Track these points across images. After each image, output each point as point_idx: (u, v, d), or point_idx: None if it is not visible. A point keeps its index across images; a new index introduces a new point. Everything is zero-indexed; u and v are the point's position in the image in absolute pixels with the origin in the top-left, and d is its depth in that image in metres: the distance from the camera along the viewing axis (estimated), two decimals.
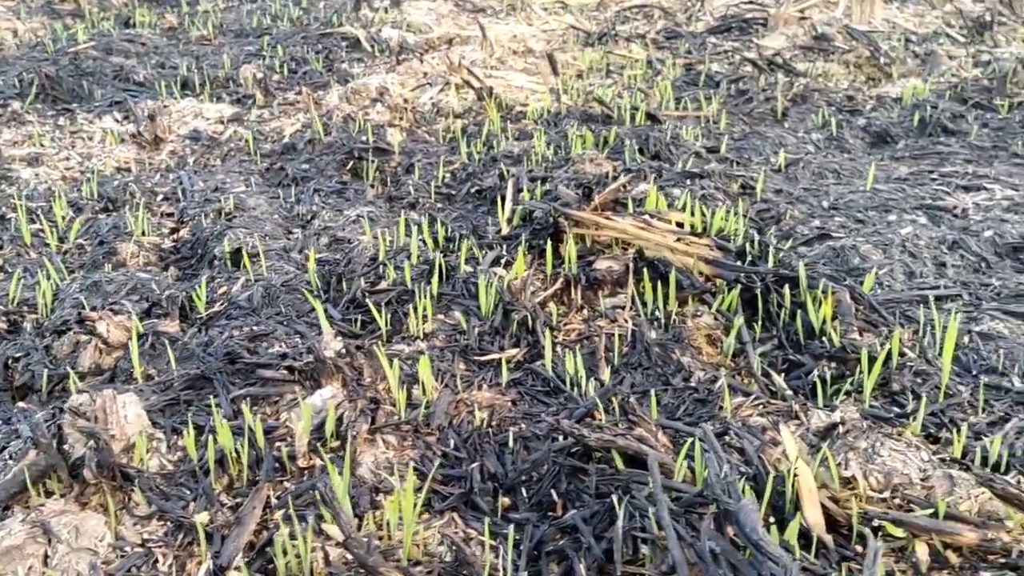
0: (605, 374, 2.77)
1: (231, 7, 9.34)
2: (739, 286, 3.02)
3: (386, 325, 3.00)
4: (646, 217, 3.20)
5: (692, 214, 3.37)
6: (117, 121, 5.80)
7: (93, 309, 3.23)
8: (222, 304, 3.22)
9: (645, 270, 3.10)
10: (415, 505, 2.13)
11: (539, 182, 3.97)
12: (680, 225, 3.27)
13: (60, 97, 6.27)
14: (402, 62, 6.76)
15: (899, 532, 2.04)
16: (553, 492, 2.30)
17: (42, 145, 5.35)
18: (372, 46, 7.45)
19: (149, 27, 8.66)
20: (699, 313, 2.98)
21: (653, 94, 5.95)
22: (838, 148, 5.13)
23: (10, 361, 2.90)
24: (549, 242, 3.31)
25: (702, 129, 5.11)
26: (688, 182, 3.79)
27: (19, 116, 5.78)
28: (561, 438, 2.40)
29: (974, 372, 2.87)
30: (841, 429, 2.29)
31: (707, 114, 5.48)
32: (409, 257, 3.39)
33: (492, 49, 7.42)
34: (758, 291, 3.02)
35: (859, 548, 2.07)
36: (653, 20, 8.53)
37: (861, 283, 3.29)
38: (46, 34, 8.69)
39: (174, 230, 4.27)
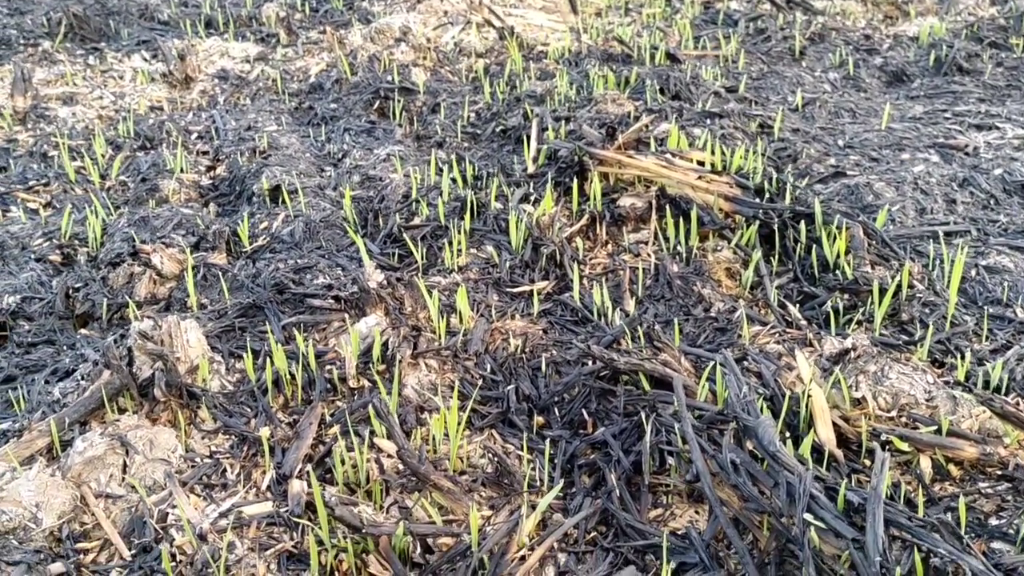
0: (630, 305, 2.94)
1: None
2: (757, 222, 3.18)
3: (422, 259, 3.17)
4: (668, 156, 3.35)
5: (712, 153, 3.51)
6: (146, 60, 5.92)
7: (143, 242, 3.41)
8: (265, 239, 3.39)
9: (667, 207, 3.26)
10: (459, 423, 2.32)
11: (563, 122, 4.11)
12: (701, 164, 3.41)
13: (88, 36, 6.38)
14: (422, 0, 6.83)
15: (905, 447, 2.23)
16: (584, 412, 2.49)
17: (75, 84, 5.48)
18: None
19: None
20: (719, 248, 3.14)
21: (672, 33, 6.03)
22: (855, 87, 5.23)
23: (70, 291, 3.09)
24: (575, 180, 3.46)
25: (721, 69, 5.21)
26: (708, 122, 3.92)
27: (50, 55, 5.90)
28: (591, 362, 2.58)
29: (979, 303, 3.04)
30: (853, 354, 2.47)
31: (725, 53, 5.56)
32: (441, 194, 3.54)
33: None
34: (775, 227, 3.18)
35: (867, 462, 2.26)
36: None
37: (874, 219, 3.44)
38: None
39: (210, 167, 4.43)
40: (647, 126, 3.59)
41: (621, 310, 2.93)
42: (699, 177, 3.22)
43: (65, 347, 2.94)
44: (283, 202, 3.69)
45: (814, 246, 3.14)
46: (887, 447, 2.22)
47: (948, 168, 3.98)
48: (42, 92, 5.26)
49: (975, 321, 2.88)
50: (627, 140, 3.47)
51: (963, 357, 2.63)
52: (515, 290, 3.01)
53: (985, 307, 3.00)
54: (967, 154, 4.15)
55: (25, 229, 3.62)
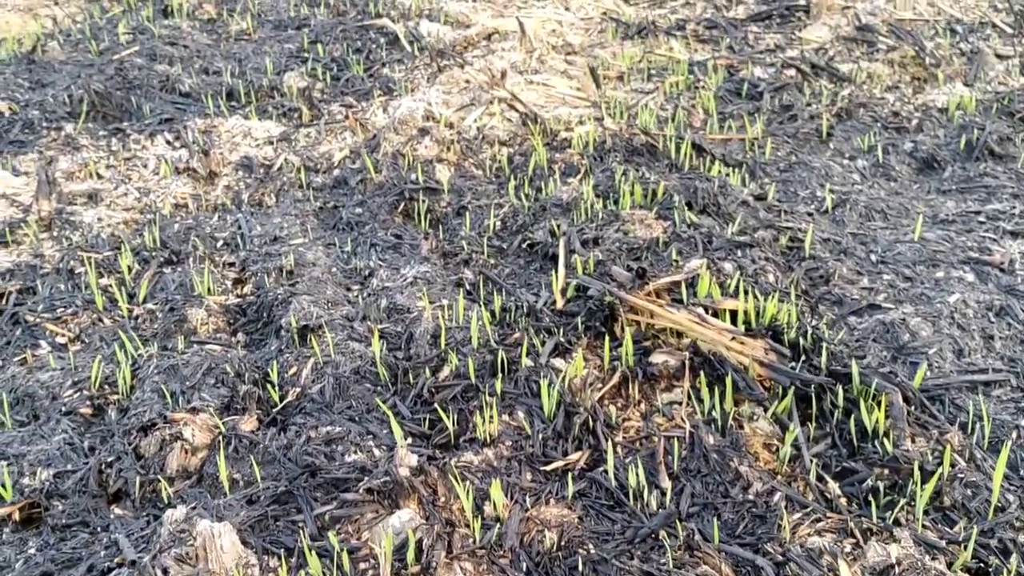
0: (666, 482, 2.91)
1: None
2: (793, 387, 3.13)
3: (453, 424, 3.15)
4: (700, 311, 3.30)
5: (745, 297, 3.46)
6: (169, 144, 5.91)
7: (173, 396, 3.41)
8: (295, 395, 3.38)
9: (701, 367, 3.22)
10: None
11: (591, 244, 4.07)
12: (734, 316, 3.36)
13: (110, 114, 6.38)
14: (444, 69, 6.79)
15: None
16: None
17: (99, 176, 5.48)
18: (411, 43, 7.47)
19: (188, 17, 8.69)
20: (755, 416, 3.10)
21: (696, 111, 5.97)
22: (884, 176, 5.15)
23: (103, 467, 3.09)
24: (606, 334, 3.42)
25: (747, 160, 5.15)
26: (739, 253, 3.86)
27: (73, 140, 5.90)
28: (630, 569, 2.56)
29: (1021, 473, 2.99)
30: (897, 570, 2.43)
31: (752, 136, 5.50)
32: (471, 340, 3.51)
33: (531, 45, 7.41)
34: (812, 391, 3.13)
35: None
36: (693, 4, 8.44)
37: (912, 364, 3.40)
38: (85, 20, 8.78)
39: (237, 280, 4.42)
40: (678, 277, 3.53)
41: (657, 488, 2.89)
42: (733, 338, 3.18)
43: (99, 529, 2.94)
44: (311, 342, 3.67)
45: (853, 410, 3.09)
46: None
47: (984, 290, 3.91)
48: (66, 189, 5.25)
49: (1018, 501, 2.83)
50: (658, 288, 3.43)
51: (1008, 556, 2.59)
52: (548, 468, 2.98)
53: None
54: (1002, 270, 4.08)
55: (55, 377, 3.62)
